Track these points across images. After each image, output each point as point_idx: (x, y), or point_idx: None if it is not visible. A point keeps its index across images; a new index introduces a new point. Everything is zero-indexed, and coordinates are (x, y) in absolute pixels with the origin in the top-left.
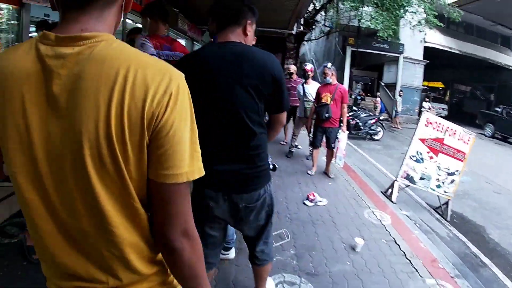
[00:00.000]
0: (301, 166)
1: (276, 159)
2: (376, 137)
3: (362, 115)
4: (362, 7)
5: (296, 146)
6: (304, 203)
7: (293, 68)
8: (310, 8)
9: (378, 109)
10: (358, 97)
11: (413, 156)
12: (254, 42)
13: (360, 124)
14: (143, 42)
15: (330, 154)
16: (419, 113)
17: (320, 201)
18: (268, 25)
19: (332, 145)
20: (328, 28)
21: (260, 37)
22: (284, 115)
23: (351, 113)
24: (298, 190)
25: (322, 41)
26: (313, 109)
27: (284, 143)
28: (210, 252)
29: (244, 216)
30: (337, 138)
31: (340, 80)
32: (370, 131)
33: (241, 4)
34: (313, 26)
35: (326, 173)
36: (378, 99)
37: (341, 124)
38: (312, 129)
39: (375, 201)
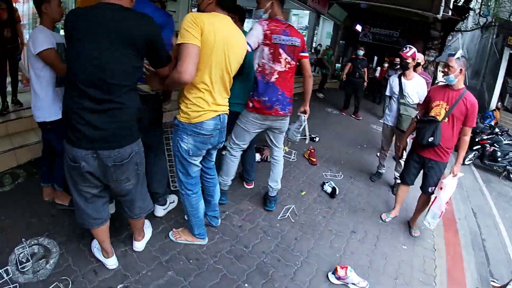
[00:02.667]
0: (380, 201)
1: (350, 180)
2: None
3: (504, 142)
4: None
5: (382, 166)
6: (327, 277)
7: (420, 57)
8: None
9: None
10: None
11: None
12: None
13: (499, 153)
14: (258, 25)
15: (424, 201)
16: None
17: (354, 284)
18: (407, 3)
19: (430, 189)
20: (485, 20)
21: (396, 19)
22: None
23: (489, 137)
24: (343, 245)
25: (478, 36)
26: (413, 123)
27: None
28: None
29: (115, 174)
30: (440, 180)
31: (490, 89)
32: (509, 167)
33: None
34: (466, 15)
35: (410, 225)
36: None
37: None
38: (405, 154)
39: None
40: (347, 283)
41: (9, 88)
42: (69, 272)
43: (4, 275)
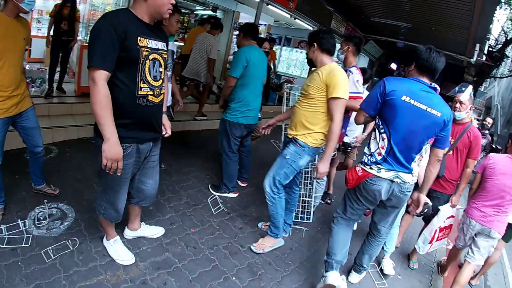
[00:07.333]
0: None
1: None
2: None
3: None
4: None
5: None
6: None
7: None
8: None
9: None
10: None
11: None
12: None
13: None
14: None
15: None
16: None
17: None
18: (442, 45)
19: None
20: None
21: None
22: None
23: None
24: None
25: None
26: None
27: None
28: None
29: None
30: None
31: None
32: None
33: None
34: (501, 62)
35: (409, 257)
36: None
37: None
38: None
39: None
40: None
41: (56, 76)
42: (79, 234)
43: (21, 226)
